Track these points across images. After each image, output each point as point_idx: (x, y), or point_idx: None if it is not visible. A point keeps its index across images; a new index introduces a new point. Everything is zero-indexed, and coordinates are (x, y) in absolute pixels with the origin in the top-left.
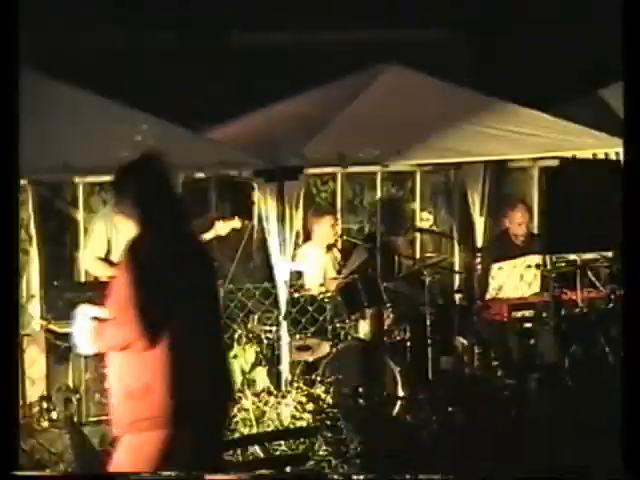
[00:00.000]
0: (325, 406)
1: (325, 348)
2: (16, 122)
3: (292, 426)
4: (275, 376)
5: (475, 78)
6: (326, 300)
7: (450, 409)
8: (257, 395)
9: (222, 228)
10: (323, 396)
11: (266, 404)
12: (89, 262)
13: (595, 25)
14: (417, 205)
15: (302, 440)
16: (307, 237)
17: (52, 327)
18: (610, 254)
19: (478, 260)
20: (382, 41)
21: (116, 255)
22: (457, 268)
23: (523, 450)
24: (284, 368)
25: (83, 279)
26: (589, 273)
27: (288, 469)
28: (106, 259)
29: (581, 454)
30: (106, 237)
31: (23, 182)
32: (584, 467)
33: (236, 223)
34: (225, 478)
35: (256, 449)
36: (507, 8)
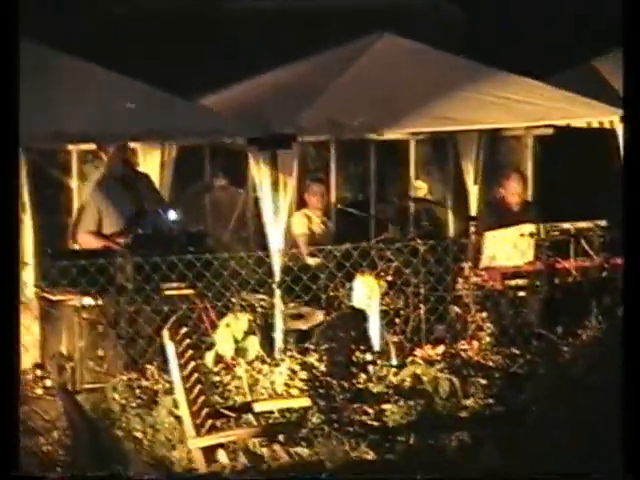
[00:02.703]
0: (318, 374)
1: (319, 316)
2: (16, 91)
3: (285, 394)
4: (268, 344)
5: (469, 45)
6: (320, 268)
7: (444, 380)
8: (250, 363)
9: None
10: (316, 364)
11: (259, 372)
12: (82, 237)
13: None
14: (411, 173)
15: (295, 408)
16: (301, 205)
17: (46, 294)
18: (604, 223)
19: (472, 229)
20: (376, 8)
21: (108, 227)
22: (450, 236)
23: (519, 439)
24: (277, 336)
25: (77, 247)
26: (583, 242)
27: (280, 437)
28: (99, 232)
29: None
30: (97, 210)
31: None
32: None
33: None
34: None
35: (249, 417)
36: None
